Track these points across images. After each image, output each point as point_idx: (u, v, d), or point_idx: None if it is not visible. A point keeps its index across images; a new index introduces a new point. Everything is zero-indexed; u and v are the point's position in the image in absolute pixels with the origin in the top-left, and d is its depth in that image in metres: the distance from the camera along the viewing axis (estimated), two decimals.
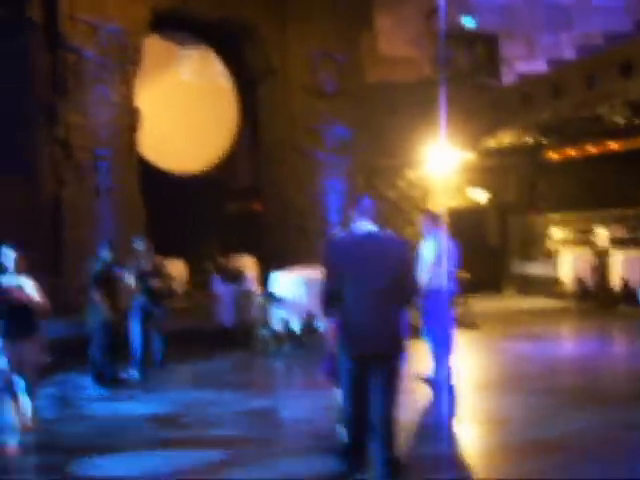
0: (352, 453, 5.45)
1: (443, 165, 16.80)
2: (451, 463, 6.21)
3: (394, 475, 5.32)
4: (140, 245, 10.18)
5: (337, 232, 5.78)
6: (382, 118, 17.87)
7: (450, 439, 6.92)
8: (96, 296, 9.66)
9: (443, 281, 8.78)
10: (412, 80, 17.97)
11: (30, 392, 7.30)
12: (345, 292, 5.28)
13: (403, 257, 5.52)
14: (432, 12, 17.52)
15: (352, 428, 5.41)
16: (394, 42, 19.05)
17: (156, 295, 10.09)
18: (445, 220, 15.25)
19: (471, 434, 7.19)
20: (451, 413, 7.79)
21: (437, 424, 7.42)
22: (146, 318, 10.07)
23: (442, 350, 8.70)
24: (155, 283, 10.05)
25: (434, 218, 9.20)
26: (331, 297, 5.29)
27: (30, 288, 7.24)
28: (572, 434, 6.67)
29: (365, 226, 5.42)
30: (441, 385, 8.56)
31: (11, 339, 7.16)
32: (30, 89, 13.70)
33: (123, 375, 9.92)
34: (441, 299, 8.74)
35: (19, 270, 7.28)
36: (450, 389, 8.46)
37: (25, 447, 7.01)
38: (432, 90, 15.99)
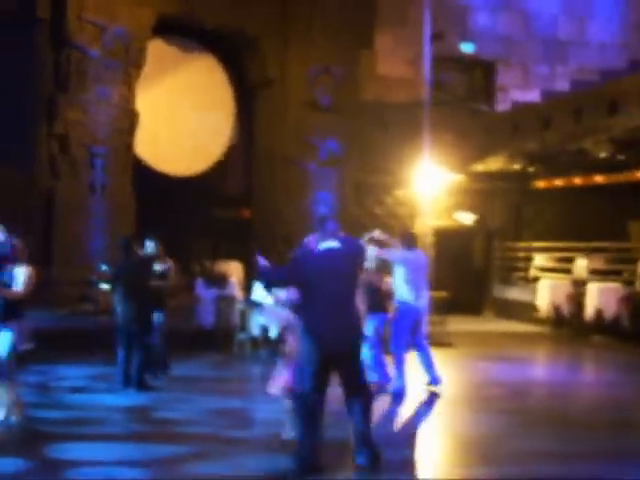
0: (307, 453, 5.88)
1: (432, 185, 17.07)
2: (402, 466, 6.57)
3: (376, 462, 5.99)
4: (151, 246, 10.36)
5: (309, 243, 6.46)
6: (374, 135, 18.21)
7: (407, 446, 7.29)
8: None
9: (413, 298, 9.24)
10: (407, 100, 18.31)
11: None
12: (309, 300, 5.85)
13: (359, 258, 6.31)
14: (433, 36, 17.87)
15: (308, 427, 5.88)
16: (392, 62, 19.40)
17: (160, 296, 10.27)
18: (428, 240, 15.60)
19: (426, 443, 7.54)
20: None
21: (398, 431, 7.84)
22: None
23: (400, 362, 9.26)
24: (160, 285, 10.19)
25: (409, 238, 9.59)
26: (276, 282, 6.35)
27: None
28: (519, 452, 6.98)
29: (328, 244, 6.10)
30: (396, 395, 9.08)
31: None
32: (34, 84, 14.04)
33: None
34: (409, 315, 9.26)
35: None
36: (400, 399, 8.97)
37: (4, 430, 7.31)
38: (425, 112, 16.39)
